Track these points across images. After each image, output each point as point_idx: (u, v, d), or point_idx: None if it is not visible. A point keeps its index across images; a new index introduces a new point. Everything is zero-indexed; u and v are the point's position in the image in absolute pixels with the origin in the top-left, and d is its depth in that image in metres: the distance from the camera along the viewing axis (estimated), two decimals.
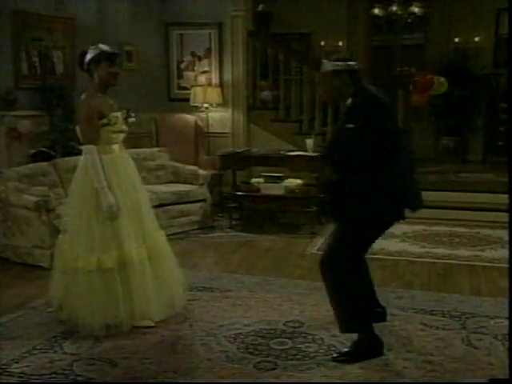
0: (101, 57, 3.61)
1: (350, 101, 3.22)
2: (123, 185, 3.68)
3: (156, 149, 6.85)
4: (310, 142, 6.27)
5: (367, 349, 3.27)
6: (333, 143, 3.41)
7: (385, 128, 3.13)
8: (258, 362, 3.21)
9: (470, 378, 3.04)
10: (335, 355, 3.27)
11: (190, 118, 7.45)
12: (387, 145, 3.11)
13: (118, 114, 3.72)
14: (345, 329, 3.31)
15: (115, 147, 3.72)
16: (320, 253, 5.04)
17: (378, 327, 3.61)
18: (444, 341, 3.47)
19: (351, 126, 3.11)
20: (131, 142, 4.65)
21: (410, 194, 3.29)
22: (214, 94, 7.31)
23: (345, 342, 3.40)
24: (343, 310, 3.28)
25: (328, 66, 3.26)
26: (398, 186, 3.18)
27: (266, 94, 7.49)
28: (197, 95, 7.27)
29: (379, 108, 3.18)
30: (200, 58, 7.61)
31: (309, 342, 3.45)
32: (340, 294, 3.26)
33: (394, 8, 9.64)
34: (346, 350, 3.29)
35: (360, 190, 3.12)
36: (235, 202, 6.51)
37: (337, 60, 3.26)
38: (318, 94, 3.12)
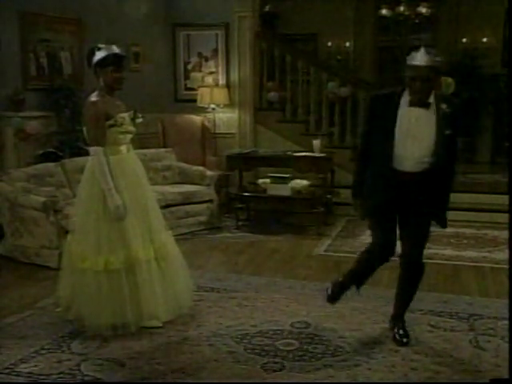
0: (106, 61, 3.60)
1: (444, 106, 3.16)
2: (130, 185, 3.69)
3: (163, 149, 6.86)
4: (316, 142, 6.26)
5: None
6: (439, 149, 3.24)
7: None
8: (265, 363, 3.21)
9: (478, 380, 3.03)
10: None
11: (197, 118, 7.46)
12: None
13: (125, 114, 3.72)
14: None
15: (123, 148, 3.72)
16: (326, 254, 5.05)
17: (384, 329, 3.61)
18: (452, 342, 3.46)
19: (449, 132, 3.17)
20: (138, 142, 4.67)
21: None
22: (220, 95, 7.32)
23: (352, 342, 3.43)
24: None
25: (432, 59, 3.00)
26: None
27: (272, 95, 7.48)
28: (203, 96, 7.27)
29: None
30: (207, 59, 7.62)
31: (316, 343, 3.44)
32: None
33: (402, 8, 9.64)
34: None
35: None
36: (242, 203, 6.51)
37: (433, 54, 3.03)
38: (418, 92, 3.03)
